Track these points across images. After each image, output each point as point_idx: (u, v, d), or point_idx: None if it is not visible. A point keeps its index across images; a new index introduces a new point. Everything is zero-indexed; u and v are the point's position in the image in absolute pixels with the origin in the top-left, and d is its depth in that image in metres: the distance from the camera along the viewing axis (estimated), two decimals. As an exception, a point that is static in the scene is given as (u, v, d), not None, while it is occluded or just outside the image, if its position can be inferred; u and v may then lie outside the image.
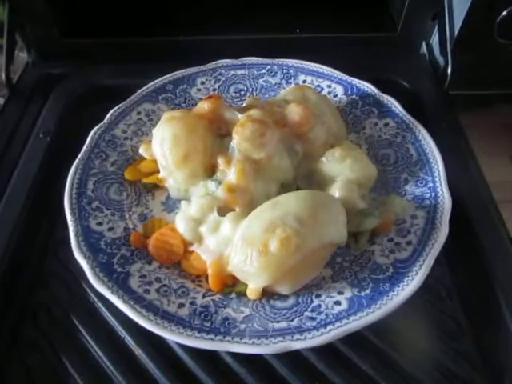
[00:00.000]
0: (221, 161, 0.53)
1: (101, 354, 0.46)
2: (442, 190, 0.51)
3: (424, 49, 0.76)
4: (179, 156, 0.52)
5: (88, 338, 0.47)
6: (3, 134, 0.64)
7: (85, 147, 0.57)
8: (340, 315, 0.42)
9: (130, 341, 0.47)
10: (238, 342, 0.41)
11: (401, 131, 0.59)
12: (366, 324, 0.41)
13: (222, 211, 0.50)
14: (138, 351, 0.46)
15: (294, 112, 0.55)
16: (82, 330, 0.48)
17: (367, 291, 0.44)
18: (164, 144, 0.52)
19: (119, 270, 0.46)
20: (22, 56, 0.79)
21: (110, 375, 0.45)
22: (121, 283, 0.45)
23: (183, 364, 0.46)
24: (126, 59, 0.72)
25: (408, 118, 0.59)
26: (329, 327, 0.41)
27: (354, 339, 0.44)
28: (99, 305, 0.49)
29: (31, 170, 0.59)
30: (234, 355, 0.45)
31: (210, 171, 0.54)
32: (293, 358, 0.45)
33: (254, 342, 0.40)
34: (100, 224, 0.51)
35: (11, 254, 0.51)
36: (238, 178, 0.51)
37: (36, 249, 0.55)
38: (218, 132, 0.56)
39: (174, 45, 0.76)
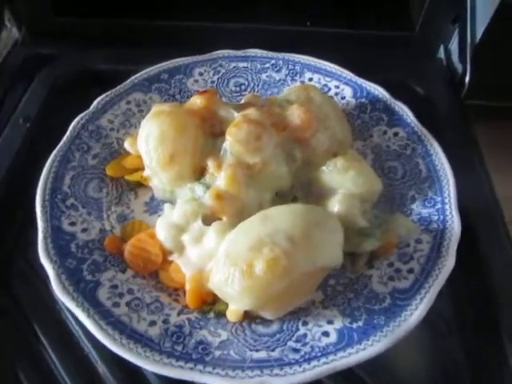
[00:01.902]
0: (211, 163, 0.48)
1: (60, 369, 0.41)
2: (451, 213, 0.46)
3: (442, 53, 0.70)
4: (165, 156, 0.47)
5: (50, 350, 0.43)
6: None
7: (65, 137, 0.52)
8: (327, 349, 0.38)
9: (94, 356, 0.42)
10: (209, 373, 0.36)
11: (411, 143, 0.54)
12: (355, 363, 0.37)
13: (208, 220, 0.45)
14: (102, 368, 0.42)
15: (296, 115, 0.50)
16: (44, 339, 0.43)
17: (360, 323, 0.39)
18: (149, 141, 0.48)
19: (88, 278, 0.42)
20: (14, 31, 0.74)
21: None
22: (88, 294, 0.41)
23: (151, 387, 0.41)
24: (122, 43, 0.67)
25: (420, 128, 0.54)
26: (313, 363, 0.37)
27: (341, 374, 0.39)
28: (66, 314, 0.44)
29: (6, 159, 0.54)
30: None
31: (199, 173, 0.49)
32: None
33: (227, 374, 0.36)
34: (73, 224, 0.46)
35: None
36: (227, 184, 0.46)
37: (4, 247, 0.50)
38: (211, 130, 0.51)
39: (175, 30, 0.71)
